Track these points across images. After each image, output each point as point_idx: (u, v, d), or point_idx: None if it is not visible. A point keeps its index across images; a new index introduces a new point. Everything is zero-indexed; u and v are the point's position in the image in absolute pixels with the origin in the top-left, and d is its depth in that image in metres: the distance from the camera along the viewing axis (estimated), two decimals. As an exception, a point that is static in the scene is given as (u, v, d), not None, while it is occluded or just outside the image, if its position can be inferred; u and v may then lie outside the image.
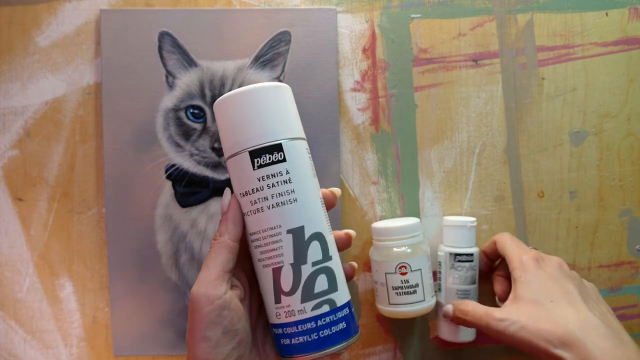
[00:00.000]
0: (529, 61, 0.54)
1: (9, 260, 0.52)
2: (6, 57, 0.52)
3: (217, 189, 0.52)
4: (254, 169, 0.37)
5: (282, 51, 0.52)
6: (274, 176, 0.37)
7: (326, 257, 0.37)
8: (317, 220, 0.38)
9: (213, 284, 0.35)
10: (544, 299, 0.43)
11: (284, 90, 0.38)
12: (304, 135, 0.39)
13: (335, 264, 0.38)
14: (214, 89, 0.51)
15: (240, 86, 0.51)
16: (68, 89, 0.52)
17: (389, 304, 0.49)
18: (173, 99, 0.52)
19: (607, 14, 0.54)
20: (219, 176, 0.51)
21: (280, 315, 0.37)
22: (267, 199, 0.37)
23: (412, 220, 0.50)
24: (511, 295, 0.46)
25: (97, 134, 0.52)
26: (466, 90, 0.54)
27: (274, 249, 0.37)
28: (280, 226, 0.36)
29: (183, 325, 0.52)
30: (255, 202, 0.37)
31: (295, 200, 0.37)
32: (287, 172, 0.37)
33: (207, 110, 0.51)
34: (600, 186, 0.54)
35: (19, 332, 0.52)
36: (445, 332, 0.51)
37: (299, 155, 0.37)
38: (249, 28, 0.52)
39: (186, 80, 0.52)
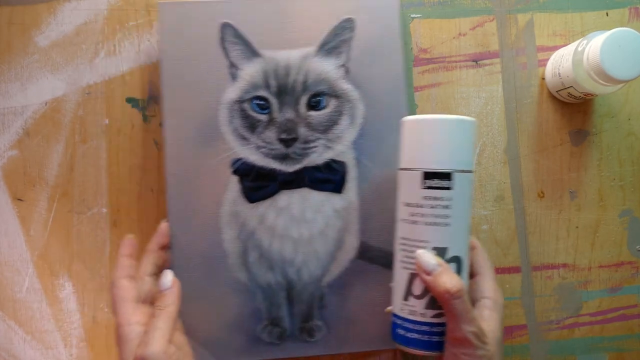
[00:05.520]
0: (529, 61, 0.54)
1: (9, 260, 0.52)
2: (5, 57, 0.52)
3: (285, 181, 0.49)
4: (422, 188, 0.42)
5: (347, 38, 0.51)
6: (437, 199, 0.41)
7: None
8: (461, 245, 0.42)
9: (167, 347, 0.41)
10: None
11: (468, 125, 0.43)
12: (473, 168, 0.43)
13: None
14: (279, 79, 0.49)
15: (305, 75, 0.50)
16: (68, 89, 0.52)
17: None
18: (237, 90, 0.50)
19: (607, 14, 0.54)
20: (287, 168, 0.49)
21: (404, 310, 0.43)
22: (425, 216, 0.42)
23: None
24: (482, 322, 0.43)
25: (97, 133, 0.52)
26: (466, 90, 0.54)
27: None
28: (428, 242, 0.42)
29: (254, 328, 0.49)
30: (414, 215, 0.42)
31: (448, 224, 0.41)
32: (450, 199, 0.41)
33: (273, 100, 0.49)
34: (600, 186, 0.54)
35: (19, 333, 0.52)
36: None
37: (464, 186, 0.42)
38: (312, 16, 0.51)
39: (250, 71, 0.50)
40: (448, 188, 0.41)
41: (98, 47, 0.53)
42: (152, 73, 0.53)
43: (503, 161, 0.54)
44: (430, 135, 0.42)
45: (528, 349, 0.54)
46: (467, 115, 0.54)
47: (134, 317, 0.43)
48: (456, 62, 0.54)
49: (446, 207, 0.41)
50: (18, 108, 0.52)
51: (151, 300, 0.46)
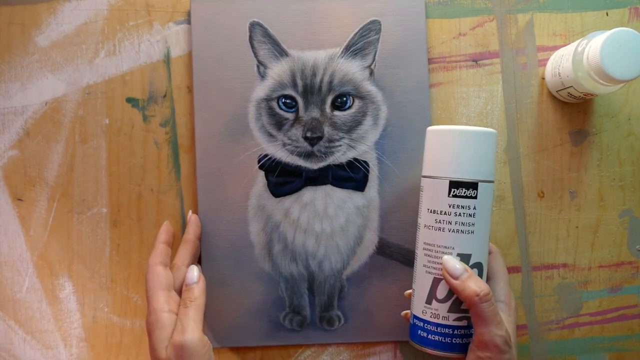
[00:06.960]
0: (529, 61, 0.54)
1: (9, 260, 0.52)
2: (5, 57, 0.52)
3: (310, 178, 0.51)
4: (448, 196, 0.43)
5: (373, 40, 0.52)
6: (463, 207, 0.43)
7: None
8: (482, 252, 0.44)
9: (202, 335, 0.43)
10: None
11: (490, 136, 0.44)
12: (494, 178, 0.45)
13: None
14: (306, 79, 0.51)
15: (331, 75, 0.51)
16: (68, 89, 0.52)
17: None
18: (265, 89, 0.51)
19: (607, 14, 0.54)
20: (312, 165, 0.51)
21: (426, 313, 0.44)
22: (450, 223, 0.43)
23: None
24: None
25: (97, 133, 0.52)
26: (466, 90, 0.54)
27: (441, 263, 0.43)
28: (453, 248, 0.43)
29: (276, 315, 0.52)
30: (439, 222, 0.43)
31: (472, 232, 0.43)
32: (474, 208, 0.43)
33: (299, 99, 0.51)
34: (600, 186, 0.54)
35: (19, 333, 0.52)
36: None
37: (487, 196, 0.44)
38: (339, 17, 0.52)
39: (277, 70, 0.51)
40: (473, 197, 0.43)
41: (98, 47, 0.53)
42: (152, 73, 0.53)
43: (503, 161, 0.54)
44: (456, 146, 0.43)
45: (528, 349, 0.54)
46: (467, 116, 0.54)
47: (168, 304, 0.44)
48: (456, 62, 0.54)
49: (471, 215, 0.43)
50: (18, 108, 0.52)
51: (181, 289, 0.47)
